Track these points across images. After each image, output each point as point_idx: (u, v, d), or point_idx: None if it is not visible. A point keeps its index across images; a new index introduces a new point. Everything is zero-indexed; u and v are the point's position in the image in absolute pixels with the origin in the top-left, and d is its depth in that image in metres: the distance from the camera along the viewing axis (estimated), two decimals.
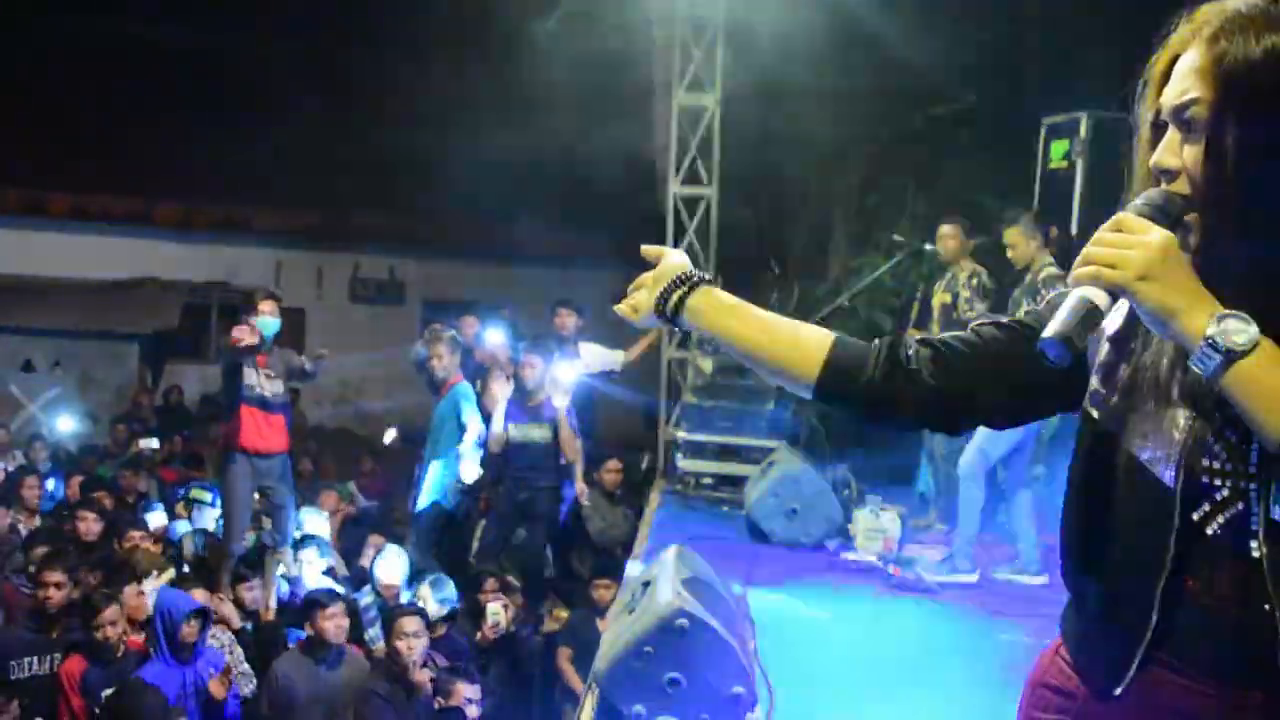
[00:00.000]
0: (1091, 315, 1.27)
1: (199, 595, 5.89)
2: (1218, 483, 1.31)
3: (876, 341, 1.56)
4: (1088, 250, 1.29)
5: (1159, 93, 1.37)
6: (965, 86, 8.19)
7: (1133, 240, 1.27)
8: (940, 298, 6.63)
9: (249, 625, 6.41)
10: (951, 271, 6.55)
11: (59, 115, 13.24)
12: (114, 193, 13.38)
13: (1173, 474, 1.32)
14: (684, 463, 7.61)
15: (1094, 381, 1.46)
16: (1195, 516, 1.31)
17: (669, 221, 8.57)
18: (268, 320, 6.93)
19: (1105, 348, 1.45)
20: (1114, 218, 1.31)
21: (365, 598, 6.70)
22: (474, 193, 12.70)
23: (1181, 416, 1.34)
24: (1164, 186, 1.34)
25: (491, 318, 8.79)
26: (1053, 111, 7.25)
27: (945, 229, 6.54)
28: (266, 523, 7.39)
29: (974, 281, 6.37)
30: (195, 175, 13.44)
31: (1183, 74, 1.33)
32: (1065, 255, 5.85)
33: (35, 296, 12.67)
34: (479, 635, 6.27)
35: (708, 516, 6.67)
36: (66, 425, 11.34)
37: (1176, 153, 1.33)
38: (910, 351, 1.54)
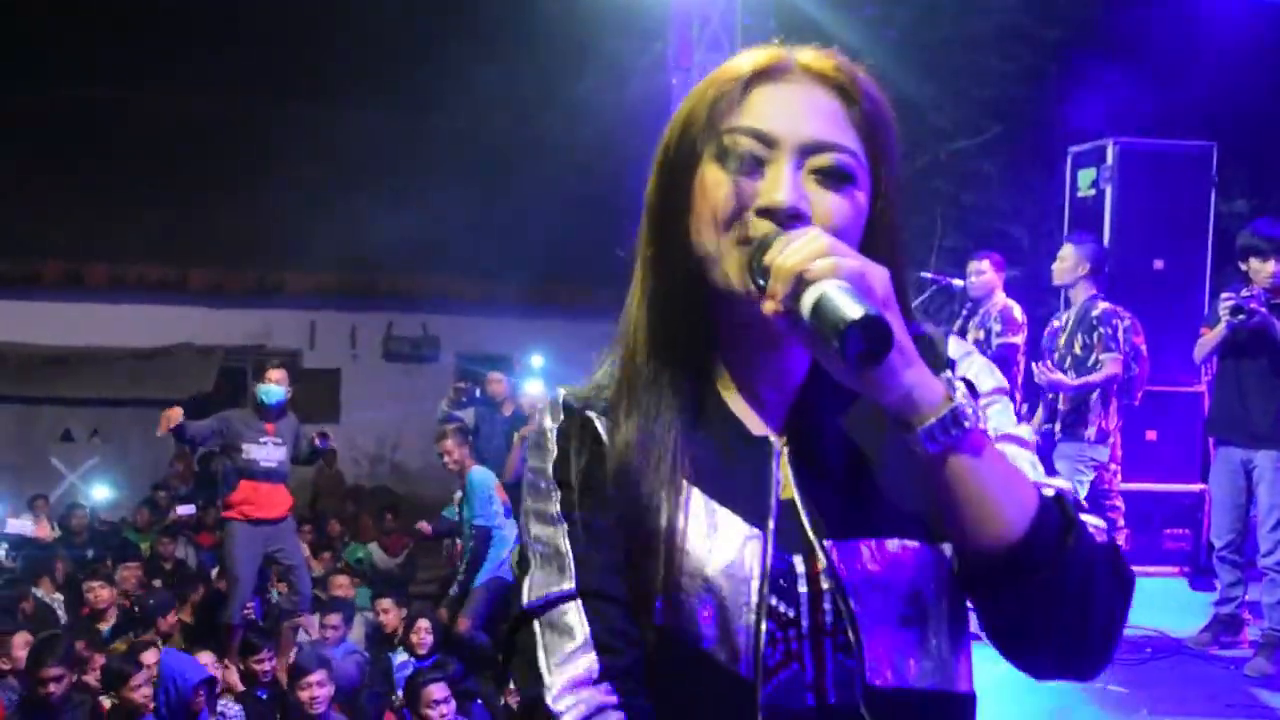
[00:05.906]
0: None
1: (205, 658, 5.74)
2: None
3: None
4: None
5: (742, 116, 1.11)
6: (987, 118, 8.09)
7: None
8: (973, 334, 6.49)
9: (262, 694, 6.07)
10: (985, 307, 6.41)
11: (95, 188, 13.49)
12: (149, 262, 13.55)
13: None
14: None
15: None
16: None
17: None
18: (272, 389, 6.97)
19: None
20: None
21: (399, 657, 6.60)
22: (504, 246, 12.75)
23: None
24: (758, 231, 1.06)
25: (522, 369, 8.73)
26: (1078, 140, 7.16)
27: (977, 263, 6.42)
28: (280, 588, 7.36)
29: (1005, 315, 6.25)
30: (228, 241, 13.61)
31: (824, 117, 1.12)
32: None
33: (73, 367, 12.80)
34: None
35: None
36: (103, 494, 11.40)
37: (805, 198, 1.07)
38: None
